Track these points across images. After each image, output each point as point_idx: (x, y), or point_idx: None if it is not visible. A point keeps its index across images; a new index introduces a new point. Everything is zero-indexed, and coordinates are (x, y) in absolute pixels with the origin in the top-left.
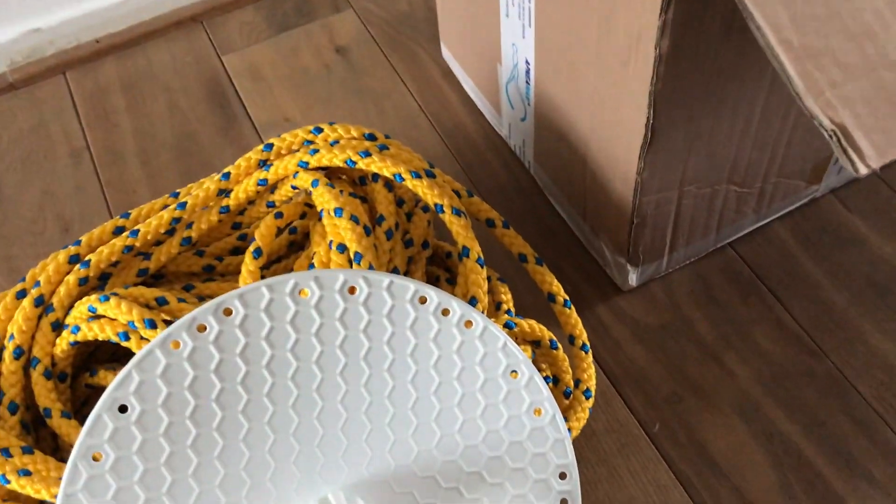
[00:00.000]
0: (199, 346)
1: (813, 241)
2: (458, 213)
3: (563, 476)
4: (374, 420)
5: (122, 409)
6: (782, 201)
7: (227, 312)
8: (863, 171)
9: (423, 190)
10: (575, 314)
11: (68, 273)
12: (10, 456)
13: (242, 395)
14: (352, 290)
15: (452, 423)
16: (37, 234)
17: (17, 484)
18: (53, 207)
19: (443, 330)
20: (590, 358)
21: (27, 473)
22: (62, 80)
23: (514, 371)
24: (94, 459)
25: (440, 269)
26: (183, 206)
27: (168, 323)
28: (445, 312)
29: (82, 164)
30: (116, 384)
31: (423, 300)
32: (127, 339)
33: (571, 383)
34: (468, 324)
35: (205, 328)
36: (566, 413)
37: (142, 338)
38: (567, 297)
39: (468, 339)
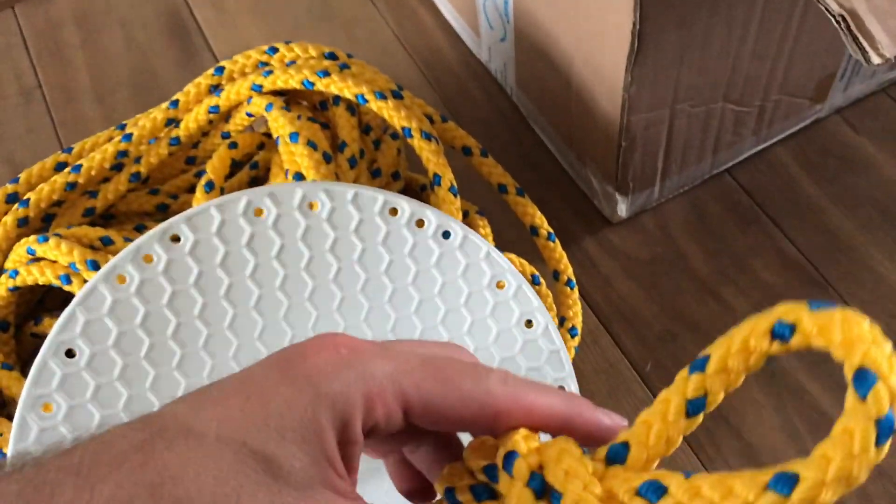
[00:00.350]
0: (147, 278)
1: (817, 166)
2: (427, 137)
3: (561, 389)
4: None
5: (70, 353)
6: (784, 122)
7: (175, 239)
8: (875, 60)
9: (389, 112)
10: (559, 248)
11: (6, 214)
12: None
13: (202, 329)
14: (312, 206)
15: None
16: None
17: None
18: (3, 150)
19: (419, 243)
20: (575, 294)
21: None
22: (10, 14)
23: (500, 281)
24: (45, 410)
25: None
26: (129, 137)
27: None
28: (420, 224)
29: (33, 104)
30: (60, 327)
31: (393, 212)
32: (69, 282)
33: (556, 321)
34: (446, 234)
35: (152, 258)
36: None
37: (85, 280)
38: (551, 230)
39: (447, 251)
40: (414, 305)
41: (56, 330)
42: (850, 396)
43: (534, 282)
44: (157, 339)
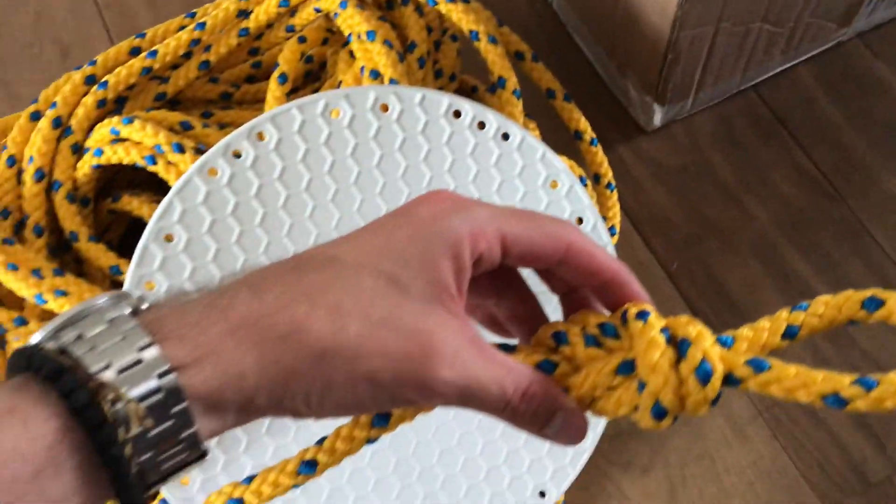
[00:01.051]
0: (236, 172)
1: (836, 86)
2: (494, 41)
3: None
4: None
5: (168, 238)
6: (810, 44)
7: (261, 137)
8: None
9: (458, 14)
10: (601, 152)
11: (85, 95)
12: (42, 277)
13: (286, 219)
14: (384, 108)
15: None
16: (34, 58)
17: (54, 304)
18: (49, 32)
19: (480, 144)
20: (615, 196)
21: (63, 294)
22: None
23: (553, 181)
24: (147, 288)
25: None
26: (202, 26)
27: (196, 150)
28: (481, 126)
29: None
30: (160, 214)
31: (457, 114)
32: (154, 163)
33: None
34: (505, 136)
35: (240, 154)
36: None
37: (169, 162)
38: (594, 136)
39: (506, 152)
40: None
41: (156, 217)
42: None
43: (581, 183)
44: (246, 228)
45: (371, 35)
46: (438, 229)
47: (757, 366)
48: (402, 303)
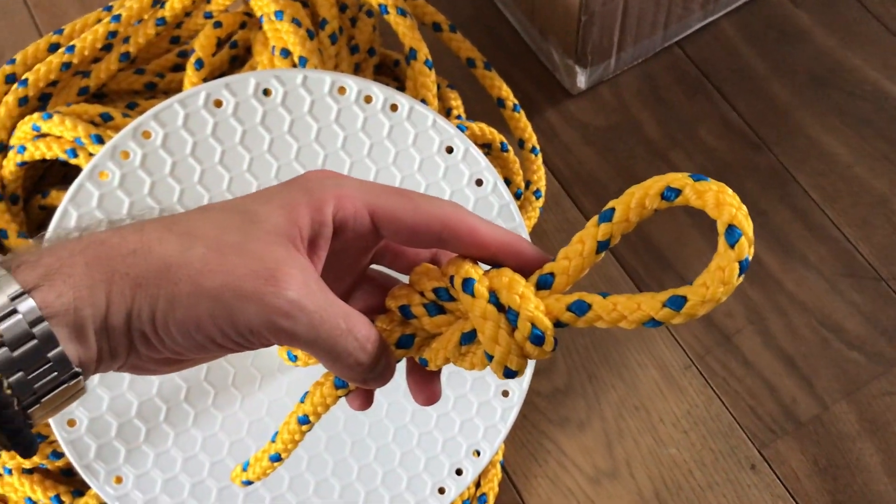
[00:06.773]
0: (126, 172)
1: (759, 37)
2: (403, 13)
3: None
4: None
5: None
6: None
7: (146, 135)
8: None
9: None
10: (524, 118)
11: (6, 94)
12: None
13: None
14: (267, 93)
15: None
16: None
17: None
18: None
19: (369, 118)
20: (539, 160)
21: None
22: None
23: (448, 146)
24: None
25: (388, 77)
26: (117, 18)
27: None
28: (368, 99)
29: None
30: (56, 222)
31: (342, 91)
32: (75, 155)
33: (522, 184)
34: (394, 107)
35: (129, 154)
36: None
37: (90, 154)
38: (516, 102)
39: (397, 123)
40: (372, 175)
41: (53, 225)
42: (722, 244)
43: (502, 149)
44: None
45: (279, 14)
46: (309, 186)
47: (579, 308)
48: (253, 232)
